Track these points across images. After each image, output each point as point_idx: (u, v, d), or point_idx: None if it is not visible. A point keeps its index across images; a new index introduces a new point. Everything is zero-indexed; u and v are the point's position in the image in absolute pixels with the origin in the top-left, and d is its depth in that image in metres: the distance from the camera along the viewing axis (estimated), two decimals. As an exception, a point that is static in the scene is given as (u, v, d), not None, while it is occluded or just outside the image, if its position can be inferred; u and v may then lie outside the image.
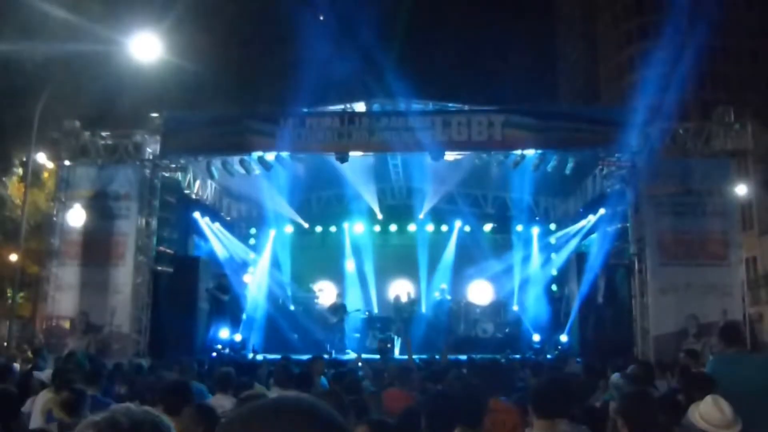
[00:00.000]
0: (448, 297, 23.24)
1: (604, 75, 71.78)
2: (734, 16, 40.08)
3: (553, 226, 25.11)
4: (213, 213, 22.83)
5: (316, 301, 23.97)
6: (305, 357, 13.69)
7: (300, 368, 9.69)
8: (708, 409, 4.54)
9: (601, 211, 20.03)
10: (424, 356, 15.97)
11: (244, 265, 24.43)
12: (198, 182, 21.36)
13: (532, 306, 23.42)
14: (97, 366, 9.39)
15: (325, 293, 24.08)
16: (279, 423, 1.27)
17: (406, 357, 16.34)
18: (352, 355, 19.42)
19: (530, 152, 18.21)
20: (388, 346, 19.58)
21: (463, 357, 14.77)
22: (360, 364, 12.28)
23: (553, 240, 24.86)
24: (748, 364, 6.77)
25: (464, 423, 4.33)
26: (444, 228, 25.51)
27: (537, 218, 25.33)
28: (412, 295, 23.13)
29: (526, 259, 24.79)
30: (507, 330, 23.04)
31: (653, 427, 4.08)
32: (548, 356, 19.59)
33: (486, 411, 4.60)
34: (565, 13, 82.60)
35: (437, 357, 14.45)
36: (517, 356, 18.48)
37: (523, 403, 5.74)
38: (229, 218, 24.60)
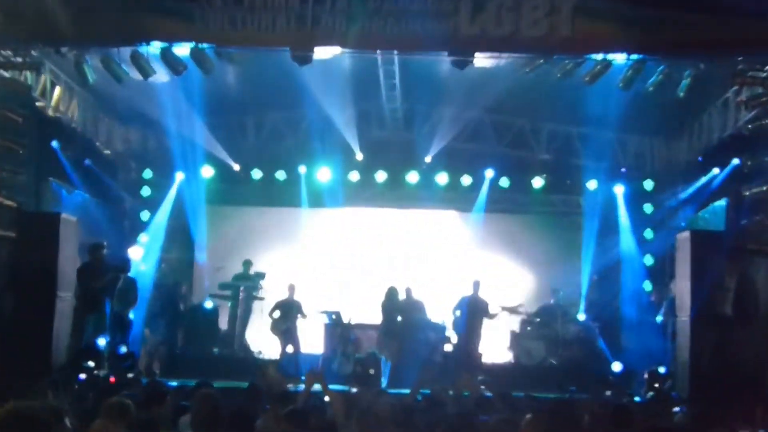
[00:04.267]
0: (470, 295, 20.26)
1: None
2: None
3: (649, 185, 22.21)
4: (84, 142, 20.30)
5: (253, 294, 21.45)
6: (233, 384, 12.99)
7: (231, 404, 9.15)
8: None
9: (735, 161, 18.48)
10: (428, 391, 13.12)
11: (132, 231, 21.90)
12: (59, 90, 18.38)
13: (610, 315, 21.82)
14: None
15: (266, 283, 21.25)
16: None
17: (404, 391, 14.06)
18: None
19: (618, 58, 15.46)
20: (371, 372, 18.59)
21: (489, 394, 12.86)
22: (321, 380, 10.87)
23: (648, 207, 22.29)
24: None
25: None
26: (466, 180, 22.38)
27: (623, 170, 22.28)
28: (414, 291, 20.35)
29: (603, 236, 22.43)
30: (567, 353, 21.07)
31: None
32: (636, 398, 17.63)
33: None
34: None
35: (465, 394, 12.52)
36: (585, 396, 15.58)
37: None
38: (109, 152, 21.63)
